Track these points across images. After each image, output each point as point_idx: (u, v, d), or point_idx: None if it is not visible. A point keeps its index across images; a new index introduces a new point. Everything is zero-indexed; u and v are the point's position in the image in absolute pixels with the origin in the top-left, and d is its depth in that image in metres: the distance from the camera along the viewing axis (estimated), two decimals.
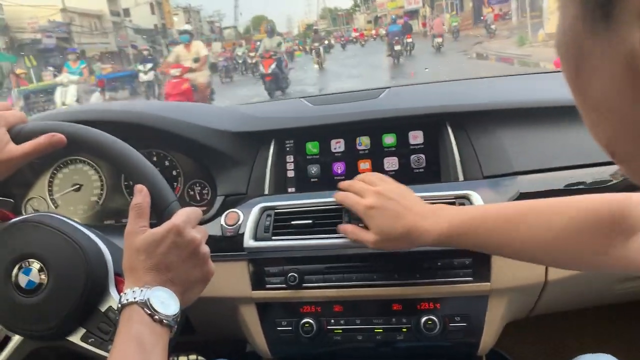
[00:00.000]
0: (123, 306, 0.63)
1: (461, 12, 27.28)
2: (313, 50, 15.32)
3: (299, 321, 0.97)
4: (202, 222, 1.03)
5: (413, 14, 34.94)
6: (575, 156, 0.97)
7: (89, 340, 0.72)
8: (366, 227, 0.84)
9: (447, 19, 23.97)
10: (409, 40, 14.73)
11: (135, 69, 13.57)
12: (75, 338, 0.72)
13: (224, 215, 1.01)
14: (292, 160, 1.12)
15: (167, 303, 0.64)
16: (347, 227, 0.88)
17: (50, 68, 16.96)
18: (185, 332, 1.07)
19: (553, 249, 0.72)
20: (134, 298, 0.62)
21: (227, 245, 0.99)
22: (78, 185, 1.10)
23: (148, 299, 0.62)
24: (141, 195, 0.71)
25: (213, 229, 1.01)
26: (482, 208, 0.83)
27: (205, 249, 0.71)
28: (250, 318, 1.01)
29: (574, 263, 0.73)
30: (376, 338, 0.97)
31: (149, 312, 0.61)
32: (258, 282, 0.98)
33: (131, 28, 32.41)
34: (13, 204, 1.10)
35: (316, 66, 15.34)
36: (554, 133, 1.02)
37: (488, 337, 0.95)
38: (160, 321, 0.62)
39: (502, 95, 1.13)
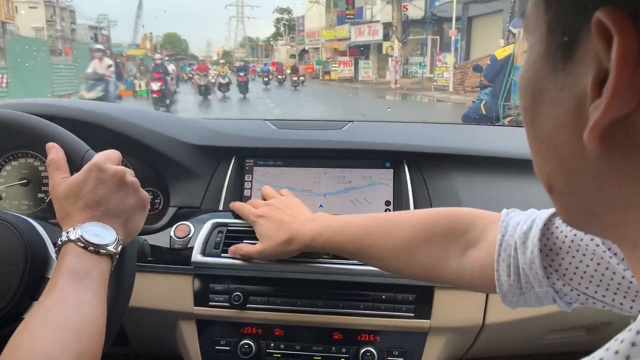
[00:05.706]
0: (59, 247, 0.64)
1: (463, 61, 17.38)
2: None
3: (238, 341, 0.96)
4: (152, 232, 1.02)
5: (364, 49, 26.01)
6: (519, 207, 1.02)
7: None
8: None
9: (449, 60, 16.58)
10: (295, 78, 21.88)
11: None
12: None
13: (174, 227, 1.00)
14: (250, 179, 1.12)
15: (102, 235, 0.65)
16: (233, 247, 0.94)
17: None
18: (119, 343, 1.04)
19: (393, 257, 0.75)
20: (68, 237, 0.63)
21: (173, 258, 0.98)
22: (26, 180, 1.06)
23: (81, 234, 0.63)
24: (54, 150, 0.72)
25: (161, 239, 0.99)
26: (349, 217, 0.84)
27: (132, 178, 0.72)
28: (189, 334, 0.99)
29: (412, 272, 0.75)
30: None
31: (82, 244, 0.62)
32: (201, 298, 0.97)
33: None
34: None
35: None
36: (503, 183, 1.07)
37: None
38: (95, 251, 0.63)
39: (458, 141, 1.17)
